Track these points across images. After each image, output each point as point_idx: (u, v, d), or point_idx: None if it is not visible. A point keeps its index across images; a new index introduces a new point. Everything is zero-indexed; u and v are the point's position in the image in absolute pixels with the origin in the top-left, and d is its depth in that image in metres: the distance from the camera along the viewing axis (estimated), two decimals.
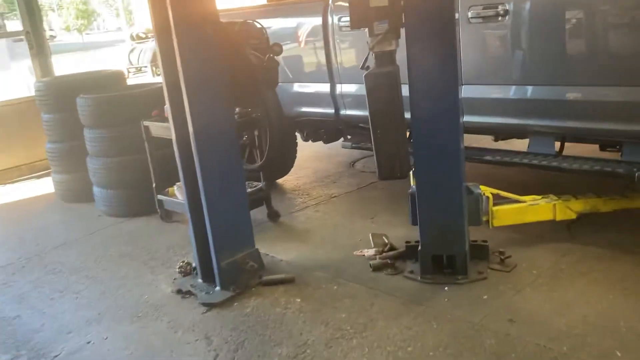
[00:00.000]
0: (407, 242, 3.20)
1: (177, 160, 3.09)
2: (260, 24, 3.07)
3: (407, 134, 2.96)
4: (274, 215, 4.07)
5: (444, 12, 2.59)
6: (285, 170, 4.94)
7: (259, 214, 4.10)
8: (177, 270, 3.36)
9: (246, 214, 3.24)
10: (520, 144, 3.75)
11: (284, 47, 4.33)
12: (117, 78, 5.23)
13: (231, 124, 3.06)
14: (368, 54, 2.79)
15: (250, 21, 3.09)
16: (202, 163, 2.95)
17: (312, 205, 4.34)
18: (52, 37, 50.85)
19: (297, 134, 4.90)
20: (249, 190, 4.01)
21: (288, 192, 4.76)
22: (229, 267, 3.09)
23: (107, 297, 3.23)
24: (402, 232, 3.55)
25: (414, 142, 2.85)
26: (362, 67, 2.81)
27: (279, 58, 3.24)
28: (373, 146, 2.87)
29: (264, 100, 2.95)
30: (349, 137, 4.38)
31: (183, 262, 3.38)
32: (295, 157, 4.90)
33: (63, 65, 19.65)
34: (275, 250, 3.55)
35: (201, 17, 2.77)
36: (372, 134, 2.85)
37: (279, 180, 5.02)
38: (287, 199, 4.57)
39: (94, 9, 48.81)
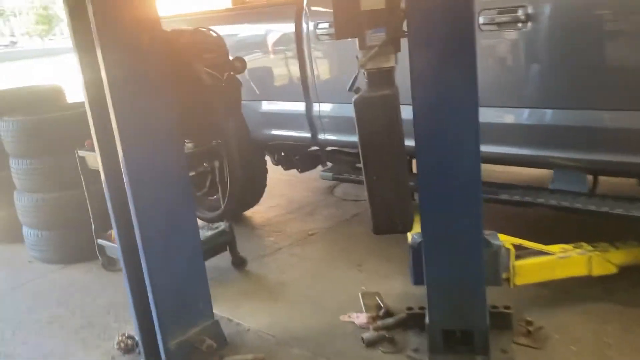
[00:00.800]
0: (408, 308, 2.54)
1: (108, 206, 2.37)
2: (217, 33, 2.37)
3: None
4: (239, 263, 3.37)
5: (461, 15, 1.94)
6: (253, 202, 4.24)
7: (222, 260, 3.40)
8: (115, 345, 2.63)
9: (201, 274, 2.53)
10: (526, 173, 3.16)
11: (250, 58, 3.66)
12: (54, 95, 4.45)
13: (179, 157, 2.35)
14: (358, 73, 2.12)
15: (205, 29, 2.39)
16: (138, 210, 2.23)
17: (286, 247, 3.64)
18: (13, 43, 49.19)
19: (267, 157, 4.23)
20: (209, 233, 3.32)
21: (257, 228, 4.06)
22: (179, 348, 2.38)
23: None
24: (397, 287, 2.91)
25: (420, 184, 2.18)
26: (350, 89, 2.14)
27: (243, 75, 2.56)
28: (366, 191, 2.20)
29: (222, 131, 2.25)
30: (328, 164, 3.71)
31: (123, 335, 2.65)
32: (265, 185, 4.21)
33: (17, 74, 18.60)
34: (241, 314, 2.84)
35: (135, 24, 2.07)
36: (364, 176, 2.18)
37: (247, 213, 4.32)
38: (256, 238, 3.87)
39: (56, 14, 47.16)
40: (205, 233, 3.30)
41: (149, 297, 2.34)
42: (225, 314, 2.84)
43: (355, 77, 2.13)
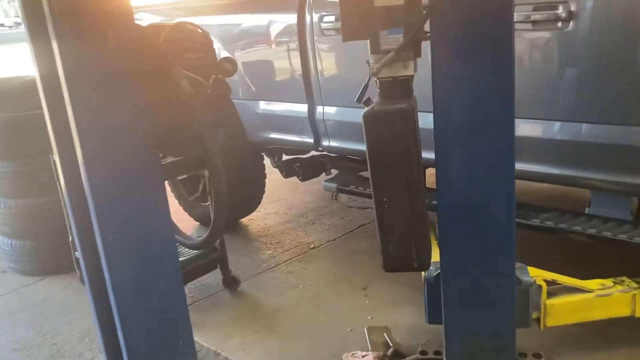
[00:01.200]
0: (422, 352, 2.21)
1: (71, 224, 2.03)
2: (202, 29, 2.01)
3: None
4: (231, 282, 3.03)
5: (497, 14, 1.57)
6: (250, 209, 3.90)
7: (212, 277, 3.07)
8: None
9: (181, 307, 2.17)
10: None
11: (246, 52, 3.32)
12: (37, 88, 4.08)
13: (154, 167, 1.99)
14: (368, 81, 1.76)
15: (189, 24, 2.03)
16: (103, 230, 1.88)
17: (284, 263, 3.31)
18: (17, 24, 48.76)
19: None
20: (201, 237, 2.97)
21: (253, 239, 3.72)
22: None
23: None
24: (408, 318, 2.58)
25: (439, 205, 1.83)
26: (360, 101, 1.78)
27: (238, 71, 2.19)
28: (376, 220, 1.85)
29: (207, 152, 1.90)
30: (332, 171, 3.37)
31: None
32: (263, 191, 3.86)
33: (17, 59, 18.11)
34: (231, 347, 2.52)
35: (98, 15, 1.71)
36: (374, 203, 1.83)
37: (243, 220, 3.99)
38: (251, 251, 3.53)
39: None
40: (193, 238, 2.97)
41: (118, 338, 2.01)
42: (213, 346, 2.52)
43: (365, 87, 1.77)
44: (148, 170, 1.96)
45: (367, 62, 1.70)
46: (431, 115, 1.73)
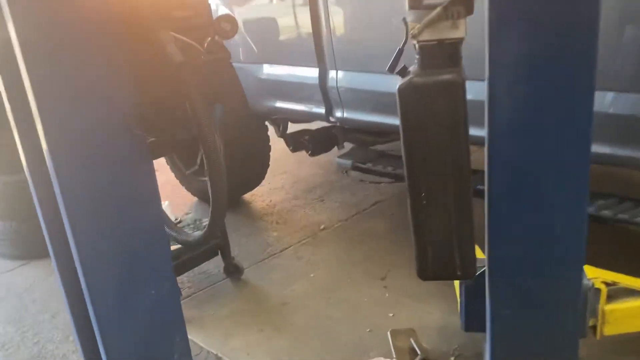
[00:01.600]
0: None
1: (41, 223, 1.69)
2: None
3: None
4: (233, 270, 2.72)
5: None
6: (253, 184, 3.56)
7: (212, 262, 2.76)
8: None
9: (175, 313, 1.84)
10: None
11: (248, 8, 2.92)
12: None
13: (139, 149, 1.62)
14: (403, 45, 1.39)
15: None
16: (76, 230, 1.51)
17: (292, 247, 2.98)
18: None
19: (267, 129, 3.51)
20: (196, 234, 2.64)
21: (258, 219, 3.39)
22: None
23: None
24: (435, 316, 2.28)
25: (490, 201, 1.48)
26: (392, 70, 1.41)
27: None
28: (410, 218, 1.51)
29: (201, 126, 1.54)
30: (345, 145, 3.02)
31: None
32: (267, 165, 3.52)
33: None
34: (232, 349, 2.22)
35: None
36: (409, 197, 1.48)
37: (246, 196, 3.66)
38: (255, 232, 3.20)
39: None
40: (190, 234, 2.65)
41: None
42: (213, 348, 2.22)
43: (400, 52, 1.39)
44: (130, 150, 1.59)
45: (404, 20, 1.33)
46: (478, 84, 1.39)
